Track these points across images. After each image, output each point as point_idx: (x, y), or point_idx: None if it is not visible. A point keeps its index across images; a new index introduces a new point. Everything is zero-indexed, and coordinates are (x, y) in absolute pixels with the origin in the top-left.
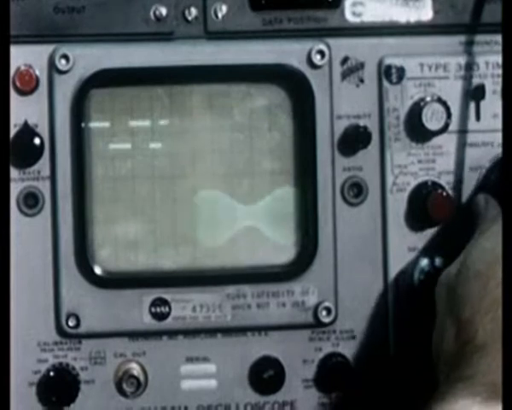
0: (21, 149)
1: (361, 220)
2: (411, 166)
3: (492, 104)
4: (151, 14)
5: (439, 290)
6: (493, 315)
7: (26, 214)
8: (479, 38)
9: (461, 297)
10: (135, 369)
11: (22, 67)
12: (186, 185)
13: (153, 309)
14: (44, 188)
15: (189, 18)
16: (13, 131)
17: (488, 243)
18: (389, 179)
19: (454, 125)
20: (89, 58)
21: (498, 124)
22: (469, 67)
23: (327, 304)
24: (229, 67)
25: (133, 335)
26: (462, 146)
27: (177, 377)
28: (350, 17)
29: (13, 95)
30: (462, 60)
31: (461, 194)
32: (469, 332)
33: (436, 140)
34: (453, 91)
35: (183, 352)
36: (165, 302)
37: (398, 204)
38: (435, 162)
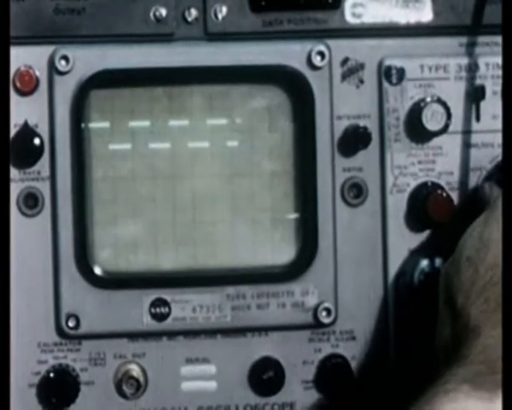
0: (21, 149)
1: (361, 221)
2: (411, 167)
3: (492, 105)
4: (151, 15)
5: (440, 282)
6: (485, 297)
7: (26, 215)
8: (479, 39)
9: (454, 285)
10: (135, 370)
11: (22, 68)
12: (186, 186)
13: (152, 310)
14: (44, 188)
15: (189, 19)
16: (13, 132)
17: (476, 230)
18: (389, 180)
19: (454, 125)
20: (89, 59)
21: (498, 125)
22: (469, 68)
23: (327, 305)
24: (229, 68)
25: (133, 336)
26: (462, 147)
27: (176, 379)
28: (350, 18)
29: (13, 95)
30: (462, 61)
31: (461, 195)
32: (463, 318)
33: (436, 141)
34: (453, 92)
35: (183, 353)
36: (164, 303)
37: (398, 205)
38: (435, 163)
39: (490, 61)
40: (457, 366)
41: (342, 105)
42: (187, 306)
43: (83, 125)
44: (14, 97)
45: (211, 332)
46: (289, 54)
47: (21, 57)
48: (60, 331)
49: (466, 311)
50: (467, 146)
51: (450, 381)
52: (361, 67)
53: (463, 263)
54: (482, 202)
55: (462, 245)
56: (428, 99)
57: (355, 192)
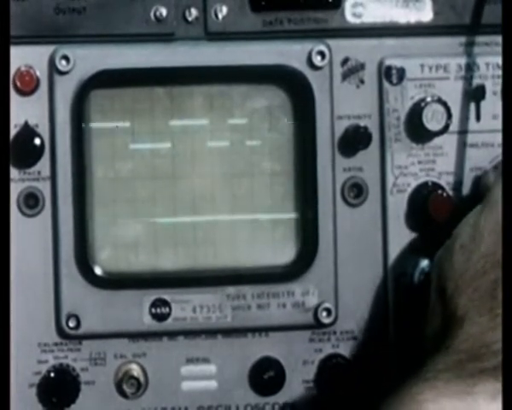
0: (22, 149)
1: (361, 221)
2: (412, 167)
3: (492, 105)
4: (151, 14)
5: (433, 269)
6: (475, 286)
7: (27, 215)
8: (479, 39)
9: (446, 272)
10: (135, 370)
11: (23, 68)
12: (186, 186)
13: (153, 310)
14: (45, 188)
15: (190, 19)
16: (13, 132)
17: (472, 218)
18: (389, 180)
19: (454, 125)
20: (89, 59)
21: (498, 124)
22: (469, 67)
23: (327, 305)
24: (230, 67)
25: (133, 336)
26: (462, 147)
27: (177, 379)
28: (350, 18)
29: (13, 95)
30: (463, 61)
31: (461, 194)
32: (452, 306)
33: (436, 141)
34: (453, 92)
35: (184, 353)
36: (165, 303)
37: (398, 205)
38: (435, 163)
39: (490, 61)
40: (441, 355)
41: (343, 105)
42: (187, 306)
43: (83, 125)
44: (14, 97)
45: (211, 332)
46: (290, 54)
47: (22, 57)
48: (60, 331)
49: (455, 299)
50: (467, 146)
51: (432, 370)
52: (361, 66)
53: (457, 250)
54: (485, 188)
55: (457, 233)
56: (429, 99)
57: (355, 192)
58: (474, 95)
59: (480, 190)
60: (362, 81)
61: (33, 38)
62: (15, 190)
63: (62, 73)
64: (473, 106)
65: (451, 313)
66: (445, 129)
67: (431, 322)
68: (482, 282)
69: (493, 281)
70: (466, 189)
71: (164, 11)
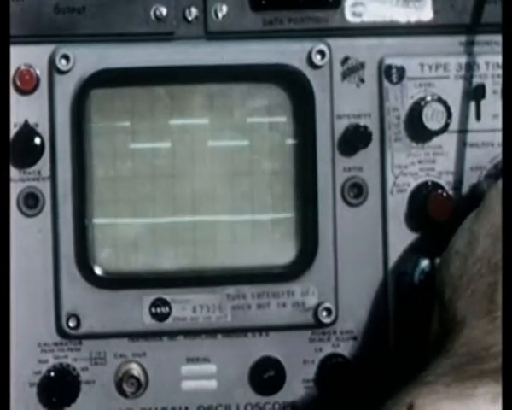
0: (21, 148)
1: (361, 221)
2: (412, 167)
3: (492, 104)
4: (151, 14)
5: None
6: (472, 289)
7: (27, 215)
8: (479, 38)
9: (444, 278)
10: (135, 370)
11: (22, 67)
12: (186, 185)
13: (153, 310)
14: (45, 188)
15: (190, 18)
16: (13, 131)
17: (467, 224)
18: (389, 180)
19: (454, 125)
20: (89, 58)
21: (498, 124)
22: (469, 67)
23: (327, 305)
24: (230, 67)
25: (133, 335)
26: (462, 146)
27: (177, 378)
28: (350, 17)
29: (13, 95)
30: (463, 60)
31: (461, 194)
32: (450, 311)
33: (436, 140)
34: (453, 91)
35: (184, 352)
36: (165, 303)
37: (398, 204)
38: (435, 162)
39: (490, 60)
40: (441, 359)
41: (342, 104)
42: (187, 306)
43: (83, 124)
44: (14, 96)
45: (211, 332)
46: (290, 53)
47: (22, 56)
48: (60, 331)
49: (453, 304)
50: (467, 145)
51: (432, 373)
52: (361, 66)
53: (452, 256)
54: (480, 198)
55: (453, 240)
56: (429, 98)
57: (355, 192)
58: (474, 94)
59: (475, 200)
60: (362, 80)
61: (33, 37)
62: (15, 189)
63: (62, 73)
64: (473, 105)
65: (450, 317)
66: (445, 128)
67: (432, 326)
68: (479, 285)
69: (490, 284)
70: (466, 188)
71: (164, 10)
